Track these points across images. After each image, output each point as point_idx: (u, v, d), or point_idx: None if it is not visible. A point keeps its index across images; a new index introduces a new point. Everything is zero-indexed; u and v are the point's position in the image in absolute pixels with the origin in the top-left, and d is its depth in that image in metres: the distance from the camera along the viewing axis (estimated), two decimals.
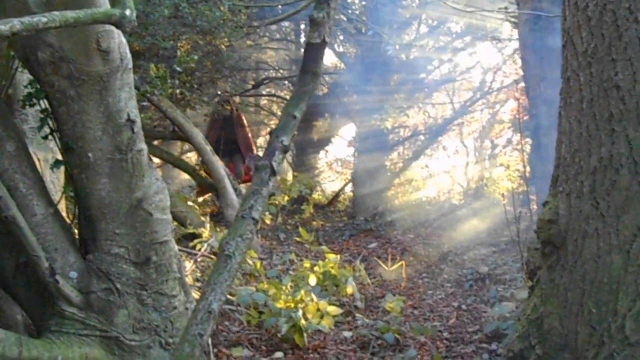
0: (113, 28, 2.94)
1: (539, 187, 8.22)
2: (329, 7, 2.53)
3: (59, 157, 3.59)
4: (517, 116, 12.08)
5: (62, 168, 3.63)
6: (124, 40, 3.21)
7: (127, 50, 3.26)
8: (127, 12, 2.48)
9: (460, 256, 8.58)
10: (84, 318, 3.41)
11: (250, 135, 12.14)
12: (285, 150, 2.73)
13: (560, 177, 3.56)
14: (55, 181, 4.39)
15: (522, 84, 10.71)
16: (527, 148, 9.71)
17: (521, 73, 10.31)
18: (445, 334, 5.60)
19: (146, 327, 3.55)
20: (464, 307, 6.51)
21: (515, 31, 10.63)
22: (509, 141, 16.23)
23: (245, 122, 11.95)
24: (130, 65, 3.30)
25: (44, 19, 2.24)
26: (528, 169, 8.52)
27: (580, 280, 3.32)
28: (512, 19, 10.15)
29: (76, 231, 3.73)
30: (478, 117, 17.26)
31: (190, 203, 9.04)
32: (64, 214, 3.84)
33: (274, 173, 2.65)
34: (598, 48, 3.20)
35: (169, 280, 3.63)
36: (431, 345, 5.24)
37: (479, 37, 14.44)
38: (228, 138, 11.26)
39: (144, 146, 3.46)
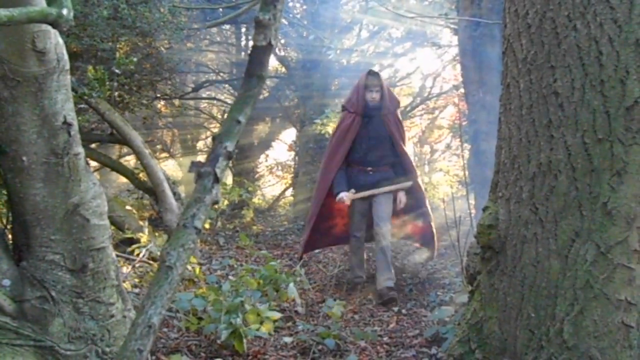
0: (49, 28, 2.86)
1: (478, 192, 8.32)
2: (275, 9, 2.45)
3: None
4: (456, 122, 12.23)
5: None
6: (60, 40, 3.13)
7: (64, 51, 3.18)
8: (65, 11, 2.40)
9: (401, 260, 8.63)
10: (17, 327, 3.30)
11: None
12: (229, 156, 2.64)
13: (500, 182, 3.59)
14: None
15: (462, 90, 10.85)
16: (466, 153, 9.83)
17: (460, 79, 10.45)
18: (386, 339, 5.61)
19: (82, 336, 3.46)
20: (404, 311, 6.54)
21: (455, 37, 10.77)
22: (448, 146, 16.49)
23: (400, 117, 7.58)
24: (67, 67, 3.22)
25: None
26: (467, 174, 8.60)
27: (520, 285, 3.35)
28: (452, 25, 10.28)
29: (10, 237, 3.62)
30: (418, 122, 17.49)
31: (128, 207, 8.89)
32: None
33: (217, 180, 2.56)
34: (538, 55, 3.24)
35: (106, 287, 3.55)
36: (371, 350, 5.24)
37: (419, 43, 14.65)
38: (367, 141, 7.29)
39: (80, 150, 3.37)
